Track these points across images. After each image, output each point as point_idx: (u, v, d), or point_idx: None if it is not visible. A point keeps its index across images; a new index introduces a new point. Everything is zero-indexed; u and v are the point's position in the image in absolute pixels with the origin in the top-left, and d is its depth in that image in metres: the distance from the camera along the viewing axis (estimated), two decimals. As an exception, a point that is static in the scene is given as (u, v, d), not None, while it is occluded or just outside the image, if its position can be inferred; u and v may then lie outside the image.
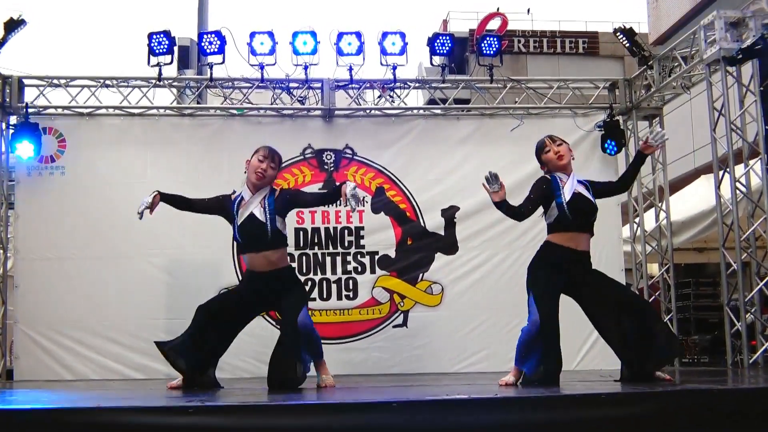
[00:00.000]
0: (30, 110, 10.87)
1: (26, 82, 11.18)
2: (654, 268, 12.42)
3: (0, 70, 10.94)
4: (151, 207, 7.61)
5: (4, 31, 10.33)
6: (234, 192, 7.70)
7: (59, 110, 11.17)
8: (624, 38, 11.35)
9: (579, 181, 7.48)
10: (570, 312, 10.81)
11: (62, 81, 11.18)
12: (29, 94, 11.17)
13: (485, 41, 11.16)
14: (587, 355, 10.94)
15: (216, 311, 7.64)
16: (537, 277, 7.45)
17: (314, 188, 11.06)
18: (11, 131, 10.85)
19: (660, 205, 11.84)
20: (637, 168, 7.75)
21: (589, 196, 7.42)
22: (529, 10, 27.72)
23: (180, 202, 7.95)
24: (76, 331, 10.62)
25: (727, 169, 9.88)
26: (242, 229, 7.46)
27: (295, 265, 10.83)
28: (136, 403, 5.23)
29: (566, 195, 7.32)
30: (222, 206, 7.62)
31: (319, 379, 7.50)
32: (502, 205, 7.44)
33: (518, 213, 7.56)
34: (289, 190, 7.89)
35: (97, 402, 4.93)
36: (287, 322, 7.47)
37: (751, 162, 10.05)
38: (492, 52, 11.17)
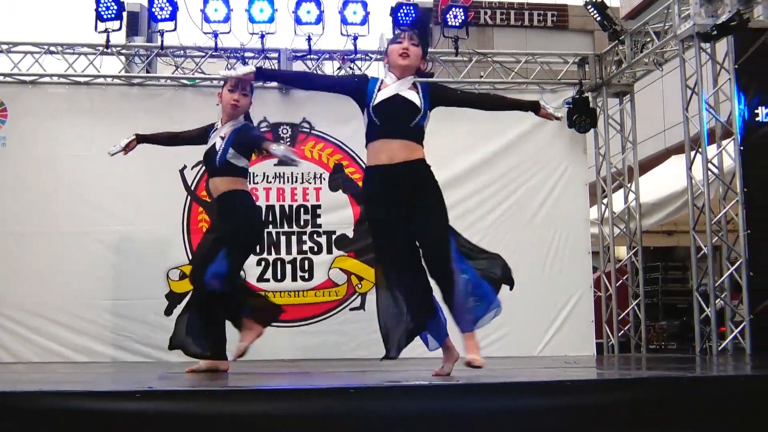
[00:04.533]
0: (-31, 77, 10.40)
1: (-35, 47, 10.69)
2: (622, 251, 12.21)
3: (-64, 34, 10.45)
4: (126, 149, 7.33)
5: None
6: None
7: (0, 78, 10.69)
8: (595, 11, 11.07)
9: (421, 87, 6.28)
10: (533, 295, 10.65)
11: (4, 47, 10.72)
12: (-31, 61, 10.69)
13: (450, 12, 10.92)
14: (552, 340, 10.70)
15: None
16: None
17: (269, 163, 10.67)
18: (-51, 100, 10.37)
19: (629, 185, 11.60)
20: (512, 108, 7.10)
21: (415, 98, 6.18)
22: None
23: (165, 140, 7.82)
24: (16, 311, 10.21)
25: (699, 150, 9.63)
26: (204, 156, 7.32)
27: (248, 243, 10.49)
28: (81, 387, 4.88)
29: (378, 98, 6.10)
30: (205, 136, 7.37)
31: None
32: None
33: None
34: (252, 131, 7.11)
35: (38, 386, 4.63)
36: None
37: (724, 143, 9.88)
38: (457, 24, 10.94)
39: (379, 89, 6.03)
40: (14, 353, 10.15)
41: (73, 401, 4.33)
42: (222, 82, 7.46)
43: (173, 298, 10.24)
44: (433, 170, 10.68)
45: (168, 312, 10.15)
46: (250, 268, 10.46)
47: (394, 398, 4.62)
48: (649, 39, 10.85)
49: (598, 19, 11.14)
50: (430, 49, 11.91)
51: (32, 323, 10.29)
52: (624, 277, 11.50)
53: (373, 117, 6.00)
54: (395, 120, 6.03)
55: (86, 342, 10.12)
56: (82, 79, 10.77)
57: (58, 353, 10.20)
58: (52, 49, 10.72)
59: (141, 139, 7.46)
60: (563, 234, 10.98)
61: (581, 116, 11.02)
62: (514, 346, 10.51)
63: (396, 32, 6.97)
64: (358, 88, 6.16)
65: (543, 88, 11.40)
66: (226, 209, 7.21)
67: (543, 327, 10.70)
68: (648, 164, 14.09)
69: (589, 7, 11.09)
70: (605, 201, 11.65)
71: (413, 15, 10.77)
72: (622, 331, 11.31)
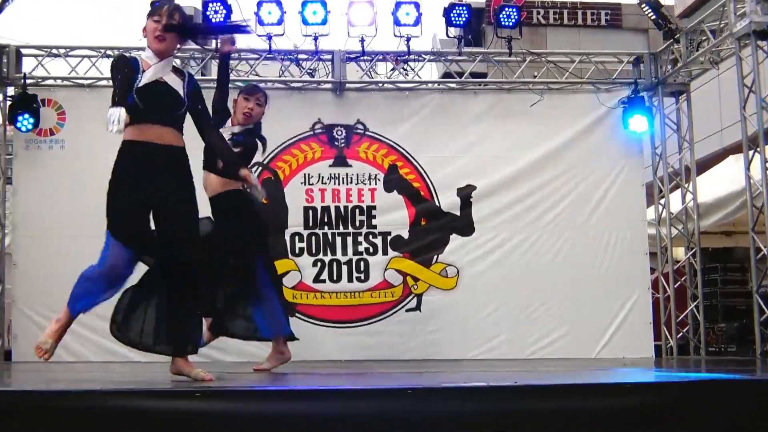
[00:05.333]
0: (28, 81, 10.52)
1: (24, 51, 10.83)
2: (680, 253, 12.00)
3: (-4, 39, 10.57)
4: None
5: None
6: None
7: (59, 81, 10.83)
8: (649, 10, 10.96)
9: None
10: (591, 296, 10.56)
11: (62, 51, 10.81)
12: (27, 65, 10.81)
13: (503, 12, 10.79)
14: (610, 342, 10.60)
15: None
16: None
17: (324, 165, 10.78)
18: (9, 103, 10.49)
19: (686, 186, 11.41)
20: (222, 157, 6.59)
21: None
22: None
23: None
24: (73, 312, 10.24)
25: (758, 149, 9.47)
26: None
27: (304, 245, 10.62)
28: (141, 386, 5.09)
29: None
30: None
31: None
32: None
33: None
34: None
35: (99, 385, 4.65)
36: None
37: (783, 141, 9.62)
38: (511, 24, 10.80)
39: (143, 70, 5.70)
40: (73, 352, 10.16)
41: (133, 400, 4.40)
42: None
43: (229, 297, 10.28)
44: (490, 170, 10.70)
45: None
46: (306, 269, 10.50)
47: (452, 399, 4.61)
48: (704, 37, 10.68)
49: (653, 17, 11.03)
50: (482, 49, 11.93)
51: (91, 323, 10.20)
52: (682, 279, 11.30)
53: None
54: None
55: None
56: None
57: (115, 353, 10.13)
58: (109, 52, 10.76)
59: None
60: (620, 235, 10.87)
61: (637, 116, 10.89)
62: (572, 348, 10.44)
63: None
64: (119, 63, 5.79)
65: (597, 88, 11.25)
66: None
67: (601, 329, 10.59)
68: (705, 164, 13.88)
69: (644, 5, 10.99)
70: (662, 201, 11.48)
71: (466, 15, 10.71)
72: (681, 334, 11.14)
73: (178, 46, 5.93)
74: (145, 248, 5.89)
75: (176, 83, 5.78)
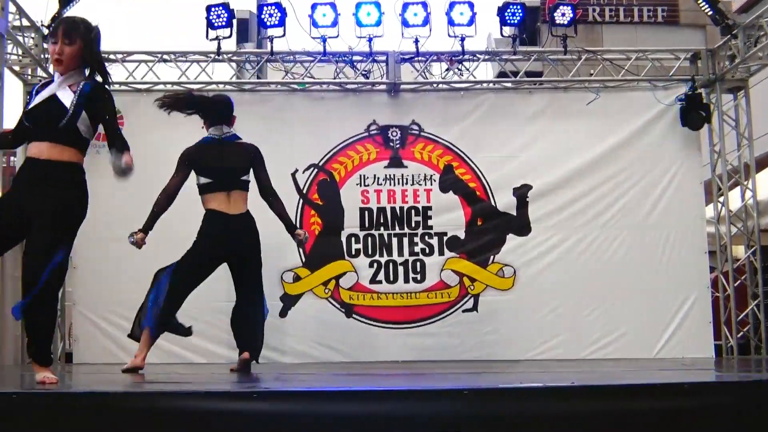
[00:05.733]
0: (86, 86, 10.56)
1: (81, 57, 10.85)
2: (739, 251, 11.84)
3: (56, 45, 10.65)
4: (138, 245, 7.66)
5: (59, 5, 10.10)
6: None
7: (116, 86, 10.85)
8: (706, 6, 10.84)
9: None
10: (649, 296, 10.48)
11: (119, 56, 10.92)
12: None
13: (558, 10, 10.70)
14: (669, 342, 10.49)
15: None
16: None
17: (379, 166, 10.80)
18: (68, 108, 10.53)
19: (746, 183, 11.24)
20: None
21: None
22: (603, -23, 27.09)
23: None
24: (135, 313, 10.32)
25: (819, 146, 9.28)
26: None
27: (360, 246, 10.65)
28: (199, 387, 5.12)
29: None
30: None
31: None
32: None
33: None
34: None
35: (160, 387, 4.70)
36: None
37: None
38: (566, 22, 10.71)
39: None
40: (133, 354, 10.28)
41: (192, 401, 4.46)
42: None
43: (287, 300, 10.38)
44: (546, 170, 10.65)
45: (282, 314, 10.26)
46: (362, 270, 10.53)
47: (508, 400, 4.60)
48: (762, 33, 10.56)
49: (710, 13, 10.91)
50: (537, 48, 11.87)
51: (153, 326, 10.45)
52: (742, 277, 11.11)
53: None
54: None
55: (204, 343, 10.17)
56: (194, 86, 10.85)
57: (177, 355, 10.30)
58: (165, 57, 10.91)
59: (145, 229, 8.13)
60: (678, 234, 10.76)
61: (694, 113, 10.78)
62: (630, 349, 10.36)
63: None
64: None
65: (654, 86, 11.12)
66: None
67: (660, 329, 10.48)
68: (764, 161, 13.68)
69: (701, 1, 10.86)
70: (721, 199, 11.33)
71: (521, 14, 10.66)
72: (741, 333, 11.00)
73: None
74: None
75: (66, 96, 5.68)
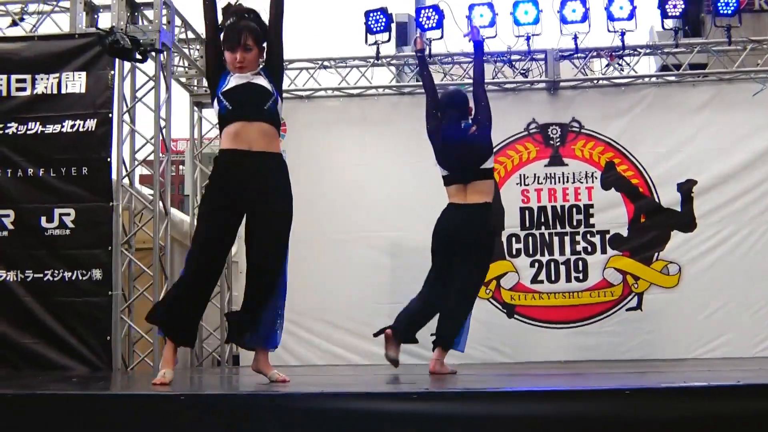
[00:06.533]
0: (250, 94, 10.87)
1: (246, 66, 11.18)
2: None
3: (220, 56, 10.98)
4: None
5: (223, 17, 10.34)
6: None
7: (279, 94, 11.19)
8: None
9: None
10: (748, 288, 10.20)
11: (282, 64, 11.13)
12: (248, 78, 11.17)
13: (721, 0, 10.40)
14: None
15: None
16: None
17: (539, 165, 10.79)
18: (232, 115, 10.85)
19: None
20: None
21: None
22: (771, -38, 26.17)
23: None
24: (299, 316, 10.57)
25: None
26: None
27: (521, 246, 10.65)
28: (358, 388, 5.19)
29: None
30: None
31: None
32: None
33: None
34: None
35: (321, 388, 4.86)
36: None
37: None
38: (729, 12, 10.40)
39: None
40: (299, 357, 10.59)
41: (351, 402, 4.51)
42: None
43: (449, 301, 10.44)
44: (711, 164, 10.41)
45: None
46: (523, 270, 10.53)
47: (670, 399, 4.50)
48: None
49: None
50: (700, 39, 11.62)
51: (315, 328, 10.68)
52: None
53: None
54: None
55: (366, 345, 10.25)
56: (354, 91, 11.11)
57: (340, 356, 10.55)
58: (326, 63, 11.12)
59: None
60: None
61: None
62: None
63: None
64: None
65: (825, 75, 10.78)
66: None
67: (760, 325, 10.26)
68: None
69: None
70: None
71: (683, 6, 10.42)
72: None
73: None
74: None
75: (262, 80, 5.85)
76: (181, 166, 25.30)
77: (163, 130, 9.37)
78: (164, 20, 9.38)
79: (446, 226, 7.46)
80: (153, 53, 9.05)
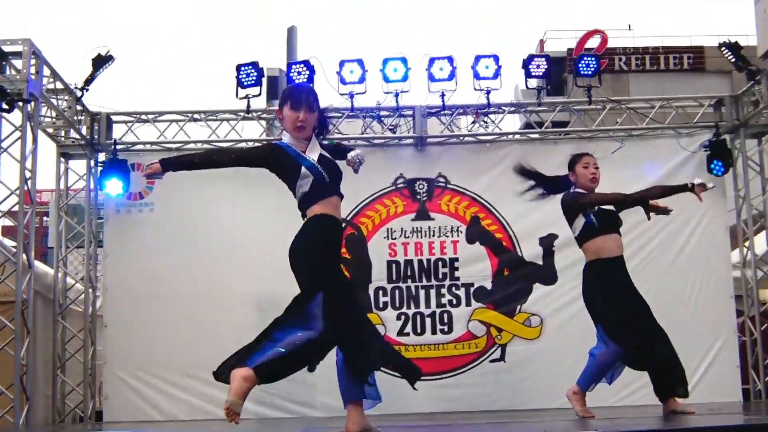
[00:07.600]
0: (118, 146, 10.91)
1: (114, 118, 11.23)
2: (766, 294, 11.85)
3: (88, 107, 10.95)
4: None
5: (93, 68, 10.37)
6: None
7: (147, 146, 11.19)
8: (729, 53, 10.95)
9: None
10: (676, 340, 10.50)
11: (150, 116, 11.19)
12: (117, 131, 11.21)
13: (583, 61, 10.87)
14: (697, 386, 10.37)
15: None
16: None
17: (406, 219, 10.98)
18: (100, 168, 10.82)
19: (771, 227, 11.23)
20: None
21: None
22: (630, 27, 27.11)
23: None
24: (166, 370, 10.54)
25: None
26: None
27: (388, 299, 10.78)
28: None
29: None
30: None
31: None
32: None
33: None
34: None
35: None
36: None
37: None
38: (590, 72, 10.85)
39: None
40: (164, 412, 10.52)
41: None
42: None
43: (315, 355, 10.45)
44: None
45: (311, 368, 10.32)
46: (390, 322, 10.65)
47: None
48: (787, 78, 10.61)
49: (733, 60, 11.00)
50: (562, 99, 12.00)
51: (181, 382, 10.58)
52: (770, 322, 11.15)
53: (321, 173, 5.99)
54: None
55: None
56: (224, 145, 11.11)
57: (206, 411, 10.42)
58: (195, 116, 11.15)
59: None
60: (705, 278, 10.82)
61: (718, 159, 10.85)
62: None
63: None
64: (272, 154, 6.25)
65: (679, 133, 11.23)
66: None
67: (687, 373, 10.31)
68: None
69: (724, 48, 10.99)
70: (747, 244, 11.35)
71: (546, 66, 10.79)
72: (769, 376, 10.99)
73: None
74: None
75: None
76: (45, 218, 24.98)
77: (29, 182, 9.26)
78: (32, 70, 9.33)
79: None
80: (20, 103, 8.96)
